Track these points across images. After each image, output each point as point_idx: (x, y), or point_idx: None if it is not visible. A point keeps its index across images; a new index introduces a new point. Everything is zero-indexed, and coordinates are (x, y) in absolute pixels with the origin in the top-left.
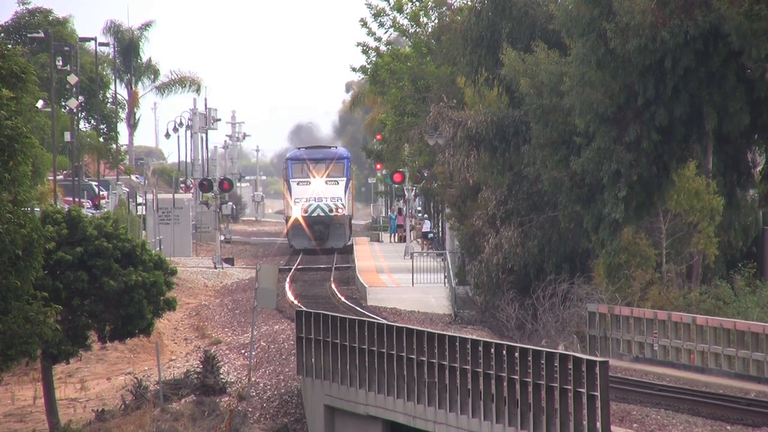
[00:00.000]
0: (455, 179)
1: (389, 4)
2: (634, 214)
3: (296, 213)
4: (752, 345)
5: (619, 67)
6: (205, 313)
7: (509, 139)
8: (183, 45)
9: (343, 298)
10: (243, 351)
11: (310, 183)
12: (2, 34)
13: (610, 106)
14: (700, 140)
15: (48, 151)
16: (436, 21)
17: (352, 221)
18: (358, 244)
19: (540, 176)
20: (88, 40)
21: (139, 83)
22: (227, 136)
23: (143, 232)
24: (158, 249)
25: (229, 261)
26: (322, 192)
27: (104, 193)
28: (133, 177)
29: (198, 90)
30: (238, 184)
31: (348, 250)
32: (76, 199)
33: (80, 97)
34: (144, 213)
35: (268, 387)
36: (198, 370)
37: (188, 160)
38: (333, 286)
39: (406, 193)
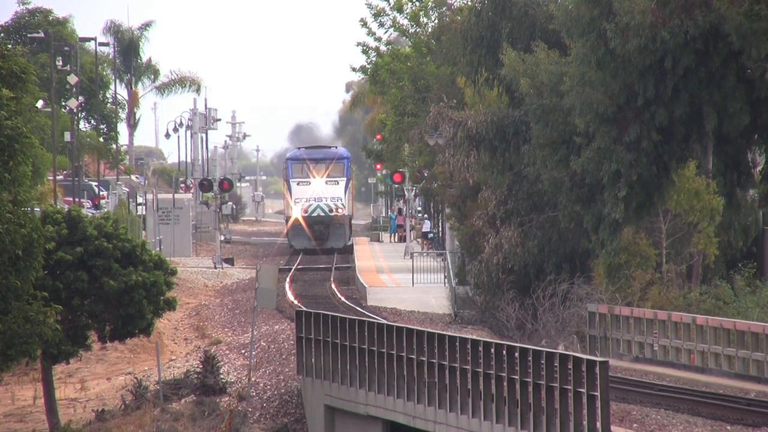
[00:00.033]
0: (455, 179)
1: (389, 4)
2: (634, 214)
3: (296, 213)
4: (752, 345)
5: (619, 67)
6: (205, 313)
7: (509, 139)
8: (183, 45)
9: (343, 298)
10: (243, 351)
11: (310, 183)
12: (2, 34)
13: (610, 106)
14: (700, 140)
15: (48, 151)
16: (436, 21)
17: (352, 221)
18: (358, 244)
19: (540, 176)
20: (88, 40)
21: (139, 83)
22: (227, 136)
23: (143, 232)
24: (158, 249)
25: (229, 261)
26: (322, 192)
27: (104, 193)
28: (133, 177)
29: (198, 90)
30: (238, 184)
31: (348, 250)
32: (76, 199)
33: (80, 97)
34: (144, 213)
35: (268, 387)
36: (198, 370)
37: (188, 160)
38: (333, 286)
39: (406, 193)
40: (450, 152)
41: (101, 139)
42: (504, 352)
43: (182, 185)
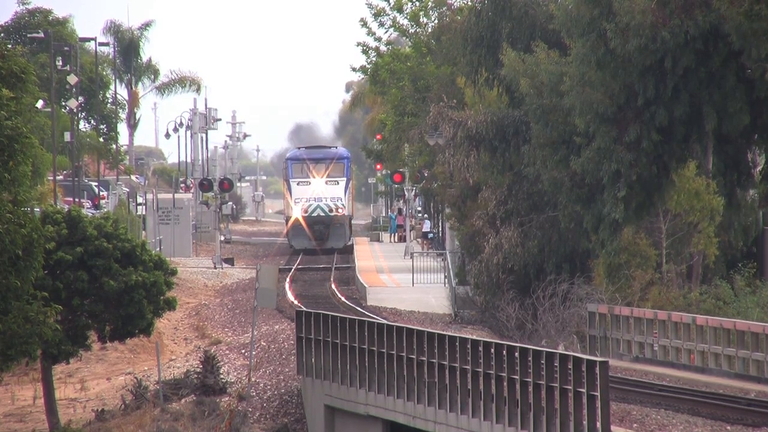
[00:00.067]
0: (455, 179)
1: (389, 4)
2: (634, 214)
3: (296, 213)
4: (752, 345)
5: (619, 67)
6: (205, 313)
7: (509, 139)
8: (183, 45)
9: (343, 298)
10: (243, 351)
11: (310, 183)
12: (2, 34)
13: (610, 106)
14: (700, 140)
15: (48, 151)
16: (436, 21)
17: (352, 221)
18: (358, 244)
19: (540, 176)
20: (88, 40)
21: (139, 83)
22: (227, 136)
23: (143, 232)
24: (158, 249)
25: (229, 261)
26: (322, 192)
27: (104, 193)
28: (133, 177)
29: (198, 90)
30: (238, 184)
31: (348, 250)
32: (76, 199)
33: (80, 97)
34: (144, 213)
35: (268, 387)
36: (198, 370)
37: (188, 160)
38: (333, 286)
39: (406, 193)
40: (450, 152)
41: (101, 139)
42: (504, 352)
43: (182, 185)
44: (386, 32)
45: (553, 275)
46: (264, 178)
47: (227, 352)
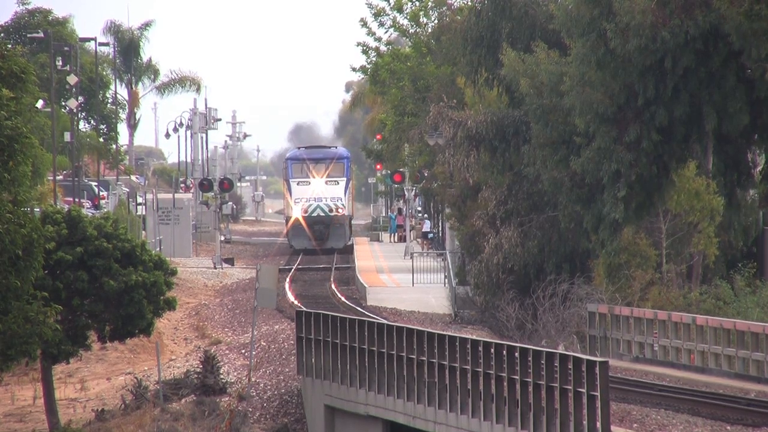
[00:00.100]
0: (455, 179)
1: (389, 4)
2: (634, 214)
3: (296, 213)
4: (752, 345)
5: (619, 67)
6: (205, 313)
7: (509, 139)
8: (183, 45)
9: (343, 298)
10: (243, 351)
11: (310, 183)
12: (2, 34)
13: (610, 106)
14: (700, 140)
15: (48, 151)
16: (436, 21)
17: (352, 221)
18: (358, 244)
19: (540, 176)
20: (88, 40)
21: (139, 83)
22: (227, 136)
23: (143, 232)
24: (158, 249)
25: (229, 261)
26: (322, 192)
27: (104, 193)
28: (133, 177)
29: (198, 90)
30: (238, 184)
31: (348, 250)
32: (76, 199)
33: (80, 97)
34: (144, 213)
35: (268, 387)
36: (198, 370)
37: (188, 160)
38: (333, 286)
39: (406, 193)
40: (450, 152)
41: (101, 139)
42: (504, 352)
43: (182, 185)
44: (386, 32)
45: (553, 275)
46: (264, 178)
47: (227, 352)
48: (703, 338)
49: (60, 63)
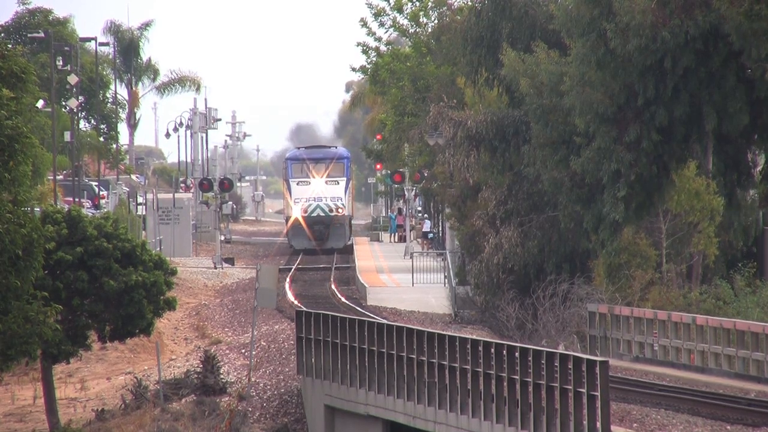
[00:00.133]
0: (455, 179)
1: (389, 4)
2: (634, 214)
3: (296, 213)
4: (752, 345)
5: (619, 67)
6: (205, 313)
7: (509, 139)
8: (183, 45)
9: (343, 298)
10: (243, 351)
11: (309, 183)
12: (2, 34)
13: (610, 106)
14: (700, 140)
15: (48, 151)
16: (436, 21)
17: (352, 221)
18: (358, 244)
19: (540, 176)
20: (88, 40)
21: (139, 83)
22: (227, 135)
23: (143, 232)
24: (158, 249)
25: (229, 261)
26: (322, 192)
27: (104, 193)
28: (133, 177)
29: (198, 90)
30: (238, 184)
31: (348, 250)
32: (76, 199)
33: (80, 97)
34: (144, 213)
35: (268, 387)
36: (198, 370)
37: (188, 159)
38: (333, 286)
39: (406, 193)
40: (450, 152)
41: (101, 139)
42: (504, 352)
43: (182, 185)
44: (386, 32)
45: (553, 275)
46: (264, 178)
47: (227, 352)
48: (703, 338)
49: (60, 63)
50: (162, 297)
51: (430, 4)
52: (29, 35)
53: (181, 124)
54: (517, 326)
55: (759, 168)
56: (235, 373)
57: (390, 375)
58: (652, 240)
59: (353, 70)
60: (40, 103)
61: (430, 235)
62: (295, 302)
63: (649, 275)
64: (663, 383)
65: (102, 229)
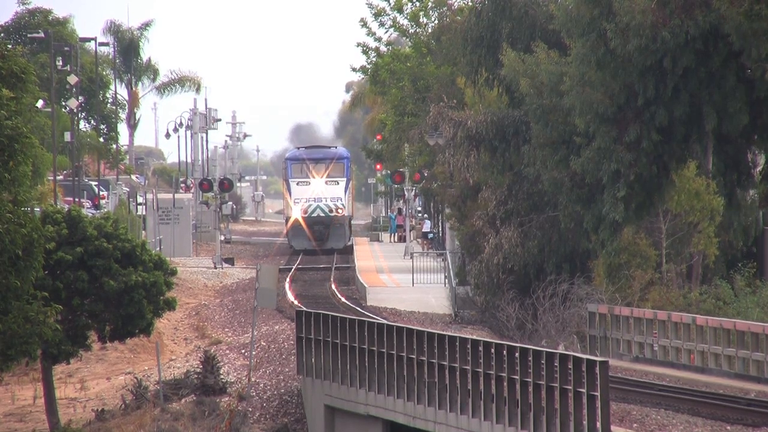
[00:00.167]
0: (455, 179)
1: (389, 4)
2: (634, 214)
3: (296, 213)
4: (752, 345)
5: (619, 67)
6: (205, 313)
7: (509, 139)
8: (183, 45)
9: (343, 298)
10: (243, 351)
11: (309, 183)
12: (2, 34)
13: (610, 106)
14: (700, 140)
15: (48, 151)
16: (436, 21)
17: (352, 221)
18: (358, 244)
19: (540, 176)
20: (88, 40)
21: (139, 83)
22: (227, 136)
23: (143, 232)
24: (158, 249)
25: (229, 261)
26: (322, 192)
27: (104, 193)
28: (133, 177)
29: (198, 90)
30: (238, 184)
31: (348, 251)
32: (76, 199)
33: (80, 97)
34: (144, 213)
35: (268, 387)
36: (198, 370)
37: (188, 160)
38: (333, 286)
39: (406, 193)
40: (450, 152)
41: (101, 139)
42: (504, 352)
43: (182, 185)
44: (386, 32)
45: (553, 275)
46: (264, 178)
47: (227, 352)
48: (703, 338)
49: (60, 63)
50: (162, 297)
51: (430, 4)
52: (29, 35)
53: (181, 124)
54: (517, 326)
55: (759, 168)
56: (235, 373)
57: (390, 375)
58: (652, 240)
59: (353, 70)
60: (40, 103)
61: (430, 235)
62: (295, 302)
63: (649, 275)
64: (663, 383)
65: (102, 229)
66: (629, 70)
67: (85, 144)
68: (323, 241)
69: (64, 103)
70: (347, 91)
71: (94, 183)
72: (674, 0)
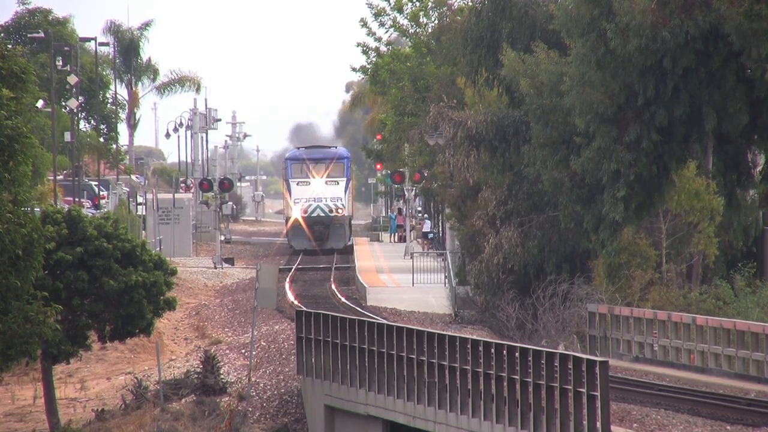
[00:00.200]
0: (455, 179)
1: (389, 4)
2: (633, 214)
3: (296, 213)
4: (752, 345)
5: (619, 67)
6: (205, 313)
7: (509, 139)
8: (183, 45)
9: (343, 298)
10: (243, 351)
11: (309, 183)
12: (2, 34)
13: (610, 106)
14: (700, 140)
15: (48, 151)
16: (436, 21)
17: (352, 221)
18: (358, 244)
19: (540, 176)
20: (88, 40)
21: (139, 83)
22: (227, 136)
23: (143, 232)
24: (158, 249)
25: (229, 261)
26: (321, 192)
27: (104, 193)
28: (133, 177)
29: (198, 90)
30: (238, 184)
31: (348, 251)
32: (76, 199)
33: (80, 97)
34: (144, 213)
35: (268, 387)
36: (198, 370)
37: (188, 160)
38: (333, 286)
39: (406, 193)
40: (450, 152)
41: (101, 139)
42: (504, 352)
43: (182, 185)
44: (386, 32)
45: (553, 275)
46: (264, 178)
47: (227, 352)
48: (703, 338)
49: (60, 63)
50: (162, 297)
51: (430, 4)
52: (29, 35)
53: (181, 124)
54: (517, 326)
55: (759, 168)
56: (235, 373)
57: (390, 375)
58: (652, 240)
59: (353, 70)
60: (40, 103)
61: (430, 235)
62: (295, 302)
63: (649, 275)
64: (663, 383)
65: (102, 229)
66: (629, 70)
67: (85, 144)
68: (323, 241)
69: (64, 103)
70: (347, 91)
71: (94, 183)
72: (674, 0)
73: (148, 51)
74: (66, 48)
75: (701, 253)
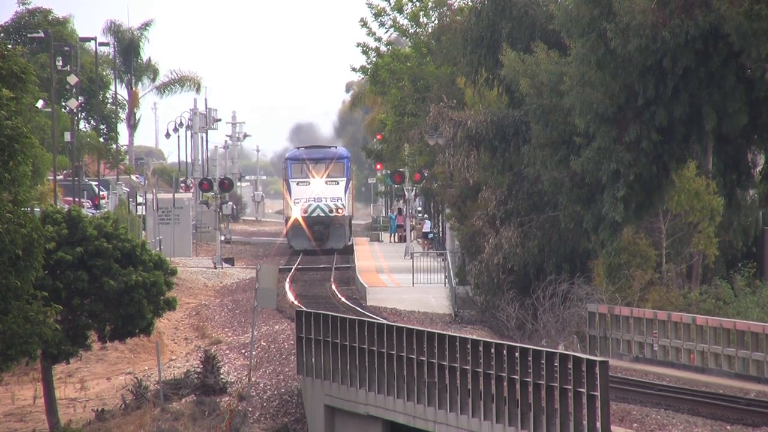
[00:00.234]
0: (455, 179)
1: (389, 4)
2: (633, 214)
3: (296, 213)
4: (752, 345)
5: (619, 67)
6: (205, 313)
7: (509, 139)
8: (183, 45)
9: (343, 298)
10: (243, 351)
11: (309, 183)
12: (2, 34)
13: (610, 106)
14: (700, 140)
15: (48, 151)
16: (436, 21)
17: (352, 221)
18: (358, 244)
19: (540, 176)
20: (88, 40)
21: (139, 83)
22: (227, 136)
23: (143, 232)
24: (158, 249)
25: (229, 261)
26: (321, 192)
27: (104, 193)
28: (133, 177)
29: (198, 90)
30: (238, 184)
31: (348, 251)
32: (76, 199)
33: (80, 97)
34: (144, 213)
35: (268, 387)
36: (198, 370)
37: (188, 160)
38: (333, 286)
39: (406, 193)
40: (450, 152)
41: (101, 139)
42: (504, 352)
43: (182, 185)
44: (386, 32)
45: (553, 275)
46: (264, 178)
47: (227, 352)
48: (703, 338)
49: (60, 63)
50: (162, 297)
51: (430, 4)
52: (29, 35)
53: (181, 124)
54: (517, 326)
55: (759, 168)
56: (235, 373)
57: (390, 375)
58: (652, 240)
59: (353, 70)
60: (40, 103)
61: (431, 235)
62: (295, 302)
63: (649, 275)
64: (663, 383)
65: (102, 229)
66: (629, 70)
67: (85, 144)
68: (323, 241)
69: (64, 103)
70: (347, 91)
71: (94, 183)
72: (674, 0)
73: (148, 51)
74: (66, 48)
75: (701, 253)
